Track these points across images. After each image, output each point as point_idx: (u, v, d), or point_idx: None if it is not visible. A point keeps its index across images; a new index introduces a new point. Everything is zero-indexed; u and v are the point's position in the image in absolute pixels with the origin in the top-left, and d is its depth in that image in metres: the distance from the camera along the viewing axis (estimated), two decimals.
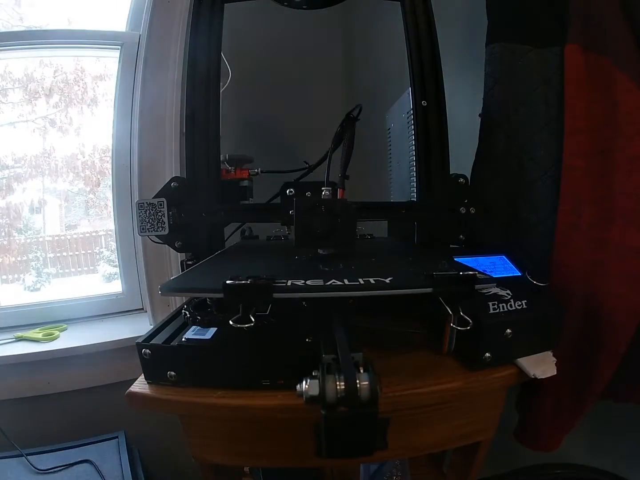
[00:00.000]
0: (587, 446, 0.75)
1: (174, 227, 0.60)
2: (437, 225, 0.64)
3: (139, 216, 0.59)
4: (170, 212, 0.59)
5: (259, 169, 0.71)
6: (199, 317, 0.46)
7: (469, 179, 0.64)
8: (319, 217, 0.48)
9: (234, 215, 0.64)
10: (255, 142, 0.97)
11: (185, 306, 0.49)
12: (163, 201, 0.59)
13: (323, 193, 0.51)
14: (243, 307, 0.36)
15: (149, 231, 0.60)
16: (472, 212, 0.62)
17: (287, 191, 0.58)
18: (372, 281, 0.37)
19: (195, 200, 0.61)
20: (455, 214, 0.62)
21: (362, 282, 0.37)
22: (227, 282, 0.35)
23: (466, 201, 0.62)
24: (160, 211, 0.59)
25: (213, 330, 0.45)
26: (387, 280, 0.37)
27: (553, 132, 0.58)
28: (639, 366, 0.55)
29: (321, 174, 0.59)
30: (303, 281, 0.37)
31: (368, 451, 0.27)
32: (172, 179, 0.61)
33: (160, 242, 0.61)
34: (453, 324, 0.38)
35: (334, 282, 0.37)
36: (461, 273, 0.37)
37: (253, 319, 0.35)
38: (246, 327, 0.35)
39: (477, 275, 0.37)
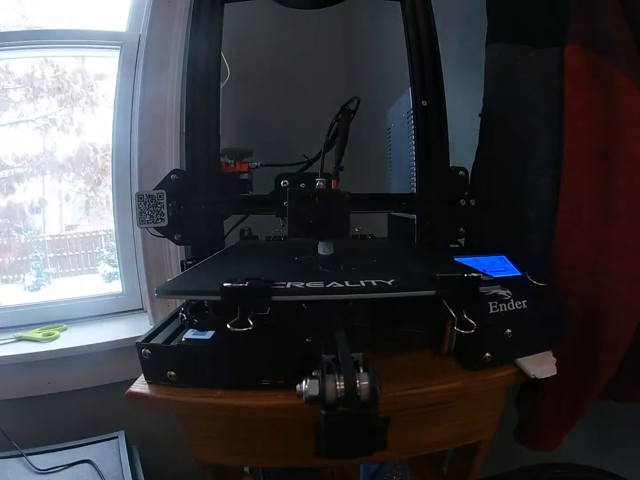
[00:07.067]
0: (587, 446, 0.75)
1: (173, 219, 0.59)
2: (437, 218, 0.64)
3: (138, 208, 0.59)
4: (170, 204, 0.59)
5: (259, 162, 0.71)
6: (195, 320, 0.45)
7: (469, 179, 0.64)
8: (312, 207, 0.48)
9: (233, 207, 0.64)
10: (256, 138, 0.97)
11: (182, 308, 0.49)
12: (162, 193, 0.59)
13: (317, 184, 0.51)
14: (241, 310, 0.35)
15: (148, 223, 0.59)
16: (472, 204, 0.62)
17: (282, 182, 0.58)
18: (374, 283, 0.36)
19: (195, 192, 0.60)
20: (456, 206, 0.63)
21: (363, 284, 0.36)
22: (225, 284, 0.34)
23: (466, 194, 0.62)
24: (159, 203, 0.59)
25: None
26: (389, 282, 0.36)
27: (553, 132, 0.58)
28: (639, 366, 0.55)
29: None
30: (303, 283, 0.36)
31: (368, 451, 0.27)
32: (172, 172, 0.61)
33: (160, 234, 0.61)
34: (456, 327, 0.38)
35: (334, 284, 0.36)
36: (465, 275, 0.36)
37: (251, 323, 0.34)
38: (244, 331, 0.34)
39: (482, 277, 0.37)
